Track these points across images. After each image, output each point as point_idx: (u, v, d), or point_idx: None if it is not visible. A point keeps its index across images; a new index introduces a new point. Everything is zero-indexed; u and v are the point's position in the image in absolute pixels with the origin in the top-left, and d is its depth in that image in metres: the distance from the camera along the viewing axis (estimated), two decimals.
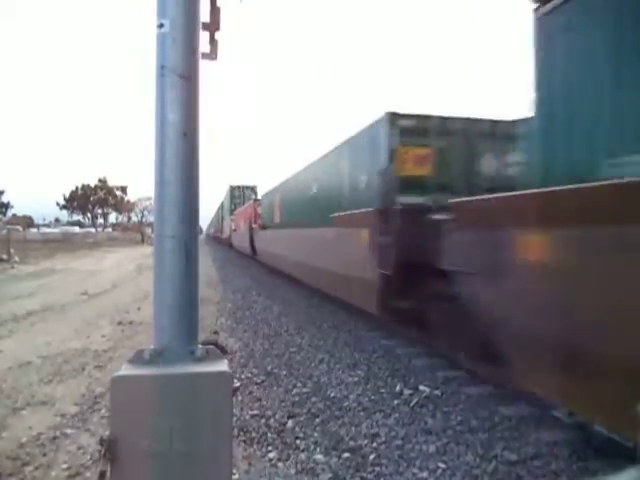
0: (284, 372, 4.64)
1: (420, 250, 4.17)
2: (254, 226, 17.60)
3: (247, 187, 31.84)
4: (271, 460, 2.91)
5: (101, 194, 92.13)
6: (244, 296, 10.04)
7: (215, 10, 2.06)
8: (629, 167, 2.38)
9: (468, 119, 5.61)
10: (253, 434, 3.26)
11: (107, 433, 1.48)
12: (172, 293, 1.63)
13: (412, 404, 3.77)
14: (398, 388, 4.11)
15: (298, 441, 3.17)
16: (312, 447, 3.08)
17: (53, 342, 5.82)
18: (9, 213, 76.93)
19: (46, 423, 3.44)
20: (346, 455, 2.96)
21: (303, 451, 3.03)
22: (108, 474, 1.44)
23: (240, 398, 3.88)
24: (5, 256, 20.96)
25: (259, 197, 20.02)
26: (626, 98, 2.54)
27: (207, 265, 18.11)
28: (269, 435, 3.25)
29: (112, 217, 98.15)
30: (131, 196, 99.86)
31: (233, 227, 27.78)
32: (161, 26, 1.68)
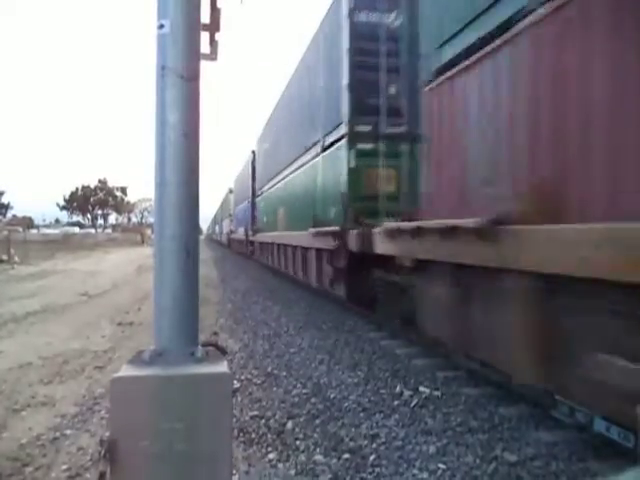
0: (284, 373, 4.64)
1: None
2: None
3: None
4: (271, 461, 2.91)
5: (101, 195, 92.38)
6: (244, 297, 10.04)
7: (215, 11, 2.07)
8: None
9: None
10: (253, 435, 3.26)
11: (107, 434, 1.48)
12: (172, 294, 1.64)
13: (412, 405, 3.77)
14: (398, 389, 4.11)
15: (298, 442, 3.17)
16: (312, 448, 3.08)
17: (53, 343, 5.82)
18: (9, 214, 77.11)
19: (46, 424, 3.44)
20: (346, 456, 2.96)
21: (303, 452, 3.03)
22: (108, 475, 1.44)
23: (240, 399, 3.88)
24: (5, 257, 20.99)
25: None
26: None
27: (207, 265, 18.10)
28: (269, 436, 3.25)
29: (112, 218, 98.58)
30: (131, 197, 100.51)
31: None
32: (161, 27, 1.69)
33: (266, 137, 14.48)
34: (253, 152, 17.79)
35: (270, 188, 13.00)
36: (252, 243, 17.55)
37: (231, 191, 28.59)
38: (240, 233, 21.56)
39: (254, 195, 16.96)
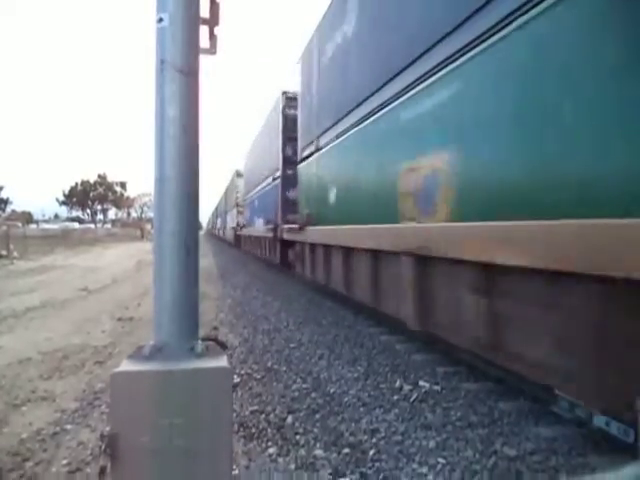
0: (284, 368, 4.65)
1: None
2: None
3: None
4: (271, 455, 2.92)
5: (100, 190, 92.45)
6: (244, 292, 10.05)
7: (214, 5, 2.06)
8: None
9: None
10: (253, 430, 3.26)
11: (107, 429, 1.48)
12: (172, 289, 1.63)
13: (412, 399, 3.78)
14: (398, 384, 4.12)
15: (298, 437, 3.17)
16: (312, 443, 3.09)
17: (53, 338, 5.82)
18: (8, 209, 77.20)
19: (46, 419, 3.44)
20: (346, 450, 2.97)
21: (303, 447, 3.03)
22: (108, 470, 1.44)
23: (240, 394, 3.89)
24: (4, 252, 20.98)
25: None
26: None
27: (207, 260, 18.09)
28: (269, 431, 3.25)
29: (111, 213, 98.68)
30: (131, 192, 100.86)
31: None
32: (160, 20, 1.68)
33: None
34: (285, 95, 10.50)
35: (361, 123, 5.19)
36: (289, 245, 9.90)
37: (239, 174, 22.39)
38: (259, 229, 14.02)
39: (288, 164, 10.19)
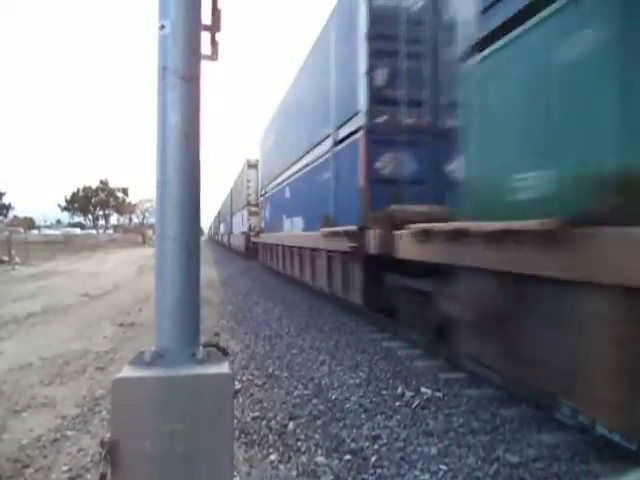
0: (285, 374, 4.63)
1: None
2: None
3: None
4: (272, 462, 2.90)
5: (102, 196, 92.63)
6: (245, 298, 10.04)
7: (216, 12, 2.06)
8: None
9: None
10: (254, 436, 3.25)
11: (108, 435, 1.47)
12: (173, 295, 1.63)
13: (414, 406, 3.76)
14: (400, 390, 4.10)
15: (299, 443, 3.16)
16: (313, 449, 3.07)
17: (54, 344, 5.82)
18: (10, 214, 77.30)
19: (47, 425, 3.43)
20: (347, 457, 2.95)
21: (304, 453, 3.02)
22: (109, 476, 1.44)
23: (241, 400, 3.87)
24: (6, 257, 21.01)
25: None
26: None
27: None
28: (270, 437, 3.24)
29: (113, 219, 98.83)
30: (132, 198, 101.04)
31: None
32: (162, 28, 1.69)
33: None
34: None
35: None
36: (395, 268, 5.11)
37: (251, 165, 18.41)
38: (297, 234, 9.32)
39: (378, 104, 5.54)
